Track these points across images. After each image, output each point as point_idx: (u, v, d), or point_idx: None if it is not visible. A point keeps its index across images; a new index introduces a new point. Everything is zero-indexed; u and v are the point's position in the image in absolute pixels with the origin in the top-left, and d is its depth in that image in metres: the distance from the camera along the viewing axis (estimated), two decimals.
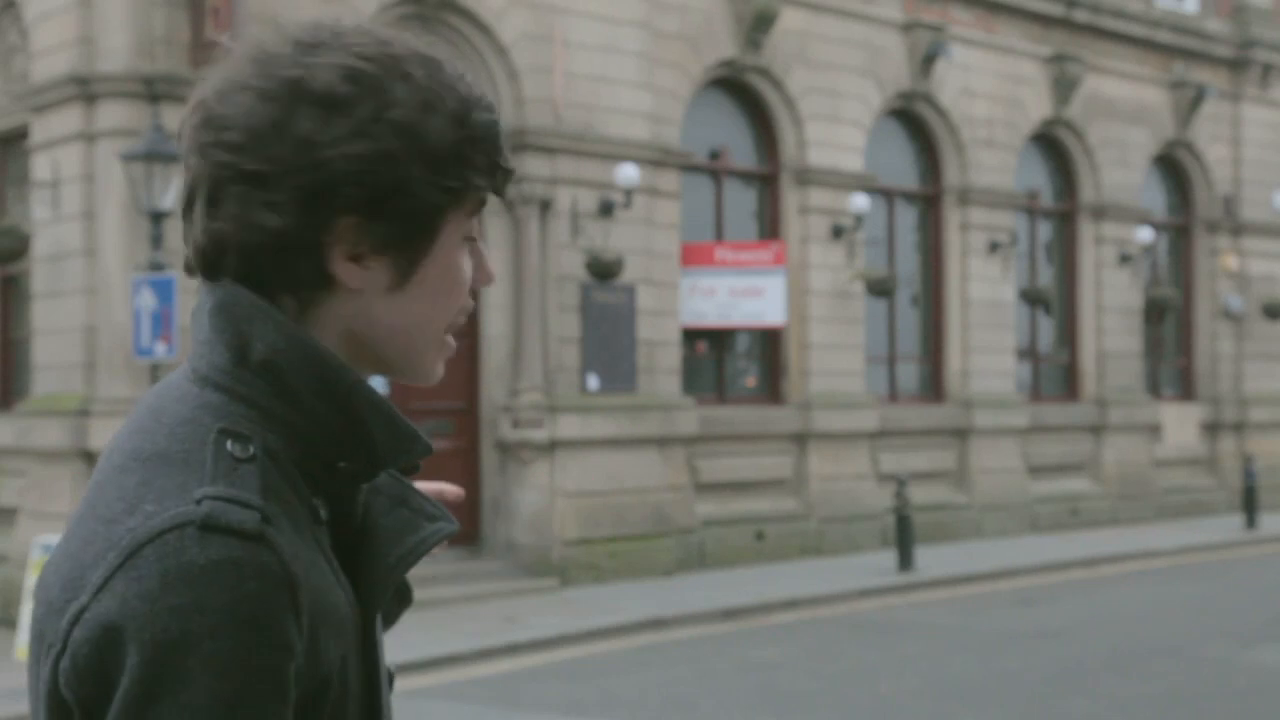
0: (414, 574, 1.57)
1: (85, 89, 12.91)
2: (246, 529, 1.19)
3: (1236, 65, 22.95)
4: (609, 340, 15.38)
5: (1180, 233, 23.05)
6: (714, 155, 17.18)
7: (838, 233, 17.49)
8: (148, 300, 12.01)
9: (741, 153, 17.46)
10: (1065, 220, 21.17)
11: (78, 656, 1.19)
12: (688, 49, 16.36)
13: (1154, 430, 21.61)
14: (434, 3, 14.45)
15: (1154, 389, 22.21)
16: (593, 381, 15.27)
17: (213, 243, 1.32)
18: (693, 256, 16.40)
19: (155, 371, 12.21)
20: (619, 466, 15.30)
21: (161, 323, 11.97)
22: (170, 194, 12.02)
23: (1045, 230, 21.10)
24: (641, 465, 15.50)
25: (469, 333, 14.80)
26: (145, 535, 1.19)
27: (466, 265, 1.37)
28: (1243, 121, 23.14)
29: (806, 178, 17.40)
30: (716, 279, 16.39)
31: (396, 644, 6.66)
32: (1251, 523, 19.83)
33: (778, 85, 17.26)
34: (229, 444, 1.25)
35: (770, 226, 17.49)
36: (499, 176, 1.36)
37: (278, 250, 1.30)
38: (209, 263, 1.33)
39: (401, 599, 1.82)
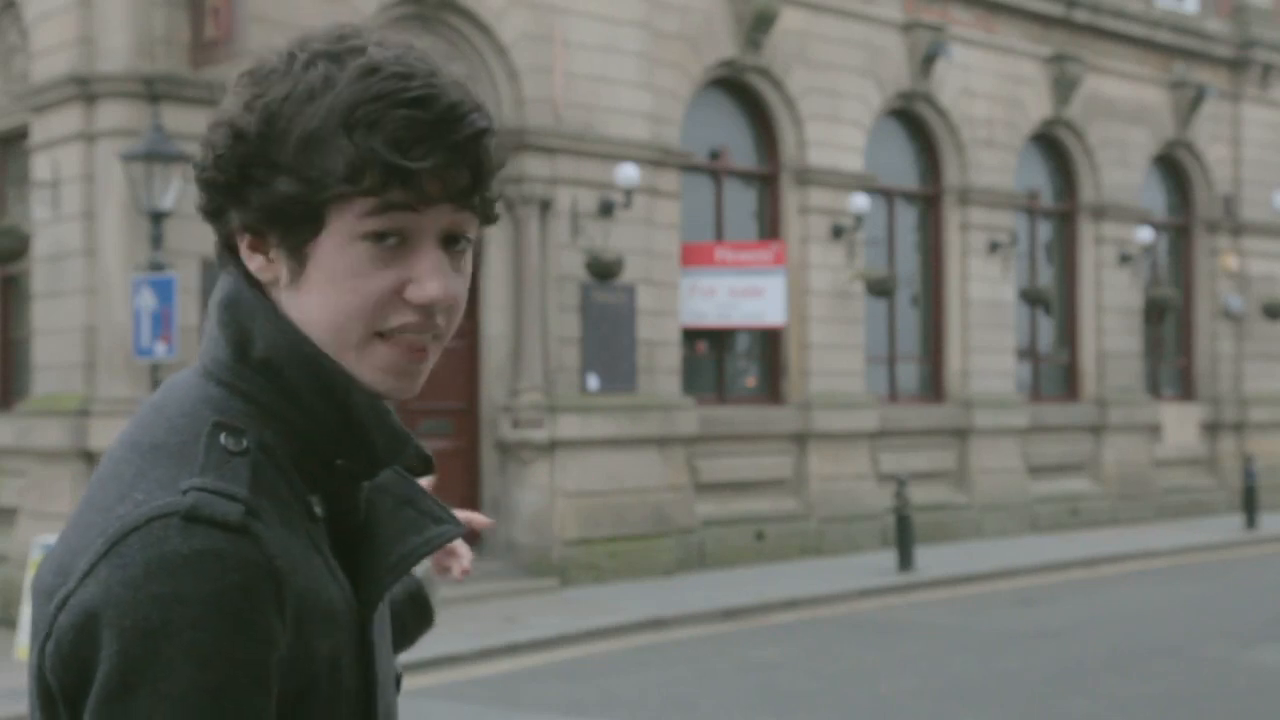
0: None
1: (85, 89, 12.91)
2: (230, 521, 1.21)
3: (1236, 65, 22.95)
4: (609, 340, 15.38)
5: (1180, 233, 23.05)
6: (714, 155, 17.18)
7: (838, 233, 17.49)
8: (148, 300, 12.00)
9: (741, 153, 17.46)
10: (1065, 220, 21.18)
11: (62, 642, 1.21)
12: (688, 49, 16.36)
13: (1154, 430, 21.61)
14: (434, 3, 14.44)
15: (1154, 389, 22.21)
16: (593, 381, 15.27)
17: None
18: (693, 256, 16.40)
19: (155, 371, 12.21)
20: (619, 466, 15.30)
21: (161, 323, 11.97)
22: (170, 194, 12.02)
23: (1045, 230, 21.10)
24: (641, 465, 15.50)
25: (469, 333, 14.80)
26: (131, 523, 1.21)
27: (372, 266, 1.30)
28: (1243, 121, 23.14)
29: (806, 178, 17.40)
30: (716, 279, 16.39)
31: None
32: (1251, 523, 19.83)
33: (778, 85, 17.26)
34: (222, 437, 1.27)
35: (770, 226, 17.49)
36: (393, 174, 1.27)
37: (222, 247, 1.37)
38: (217, 256, 1.39)
39: (422, 618, 1.83)
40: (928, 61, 18.48)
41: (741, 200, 17.55)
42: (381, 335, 1.32)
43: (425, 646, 10.98)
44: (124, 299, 12.63)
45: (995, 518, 19.20)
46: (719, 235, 17.03)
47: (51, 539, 11.19)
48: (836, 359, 17.58)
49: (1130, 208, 21.35)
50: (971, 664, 10.85)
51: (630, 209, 15.39)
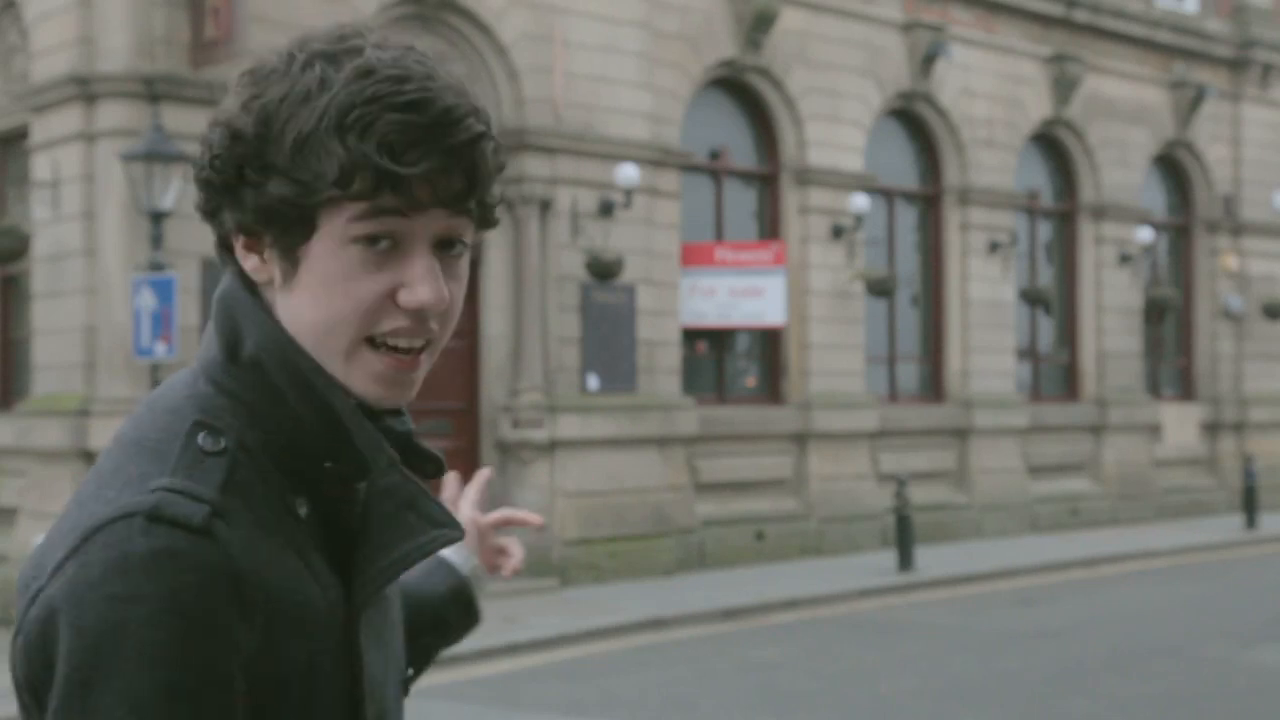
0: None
1: (85, 89, 12.91)
2: (192, 522, 1.21)
3: (1236, 65, 22.95)
4: (609, 340, 15.38)
5: (1180, 233, 23.05)
6: (714, 155, 17.18)
7: (838, 233, 17.49)
8: (148, 300, 12.01)
9: (741, 153, 17.46)
10: (1065, 220, 21.18)
11: (29, 637, 1.22)
12: (688, 49, 16.36)
13: (1154, 430, 21.61)
14: (434, 3, 14.44)
15: (1154, 389, 22.21)
16: (593, 381, 15.27)
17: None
18: (693, 256, 16.40)
19: (155, 371, 12.21)
20: (619, 466, 15.30)
21: (161, 323, 11.97)
22: (170, 194, 12.02)
23: (1045, 230, 21.10)
24: (641, 465, 15.50)
25: (469, 333, 14.80)
26: (99, 521, 1.22)
27: (364, 270, 1.29)
28: (1243, 121, 23.14)
29: (806, 178, 17.39)
30: (716, 279, 16.39)
31: None
32: (1251, 523, 19.83)
33: (778, 85, 17.26)
34: (200, 437, 1.28)
35: (770, 226, 17.49)
36: (384, 179, 1.26)
37: (219, 246, 1.37)
38: (218, 255, 1.39)
39: (467, 615, 1.85)
40: (928, 61, 18.48)
41: (741, 200, 17.55)
42: (372, 341, 1.31)
43: None
44: (124, 299, 12.63)
45: (995, 518, 19.20)
46: (719, 235, 17.03)
47: None
48: (836, 359, 17.58)
49: (1130, 208, 21.35)
50: (971, 664, 10.85)
51: (630, 209, 15.39)
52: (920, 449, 18.58)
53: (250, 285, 1.36)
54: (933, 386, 19.31)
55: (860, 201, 17.38)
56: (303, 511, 1.32)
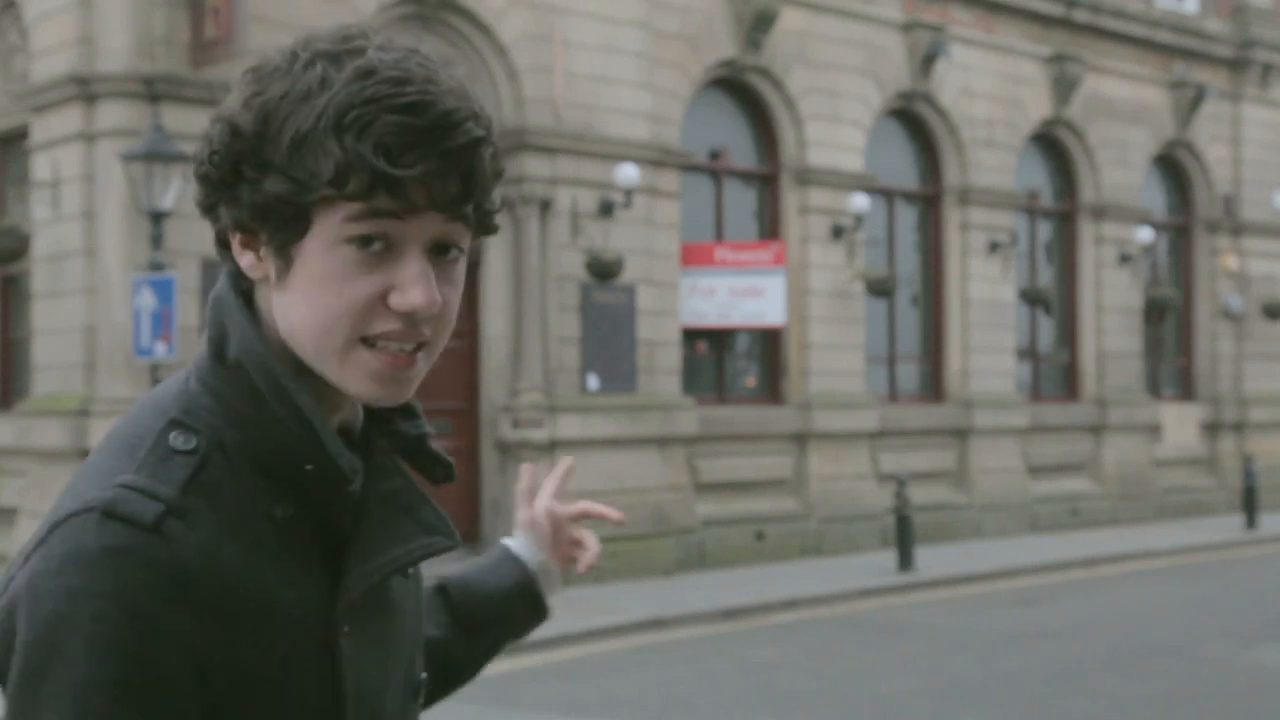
0: None
1: (85, 89, 12.91)
2: (143, 520, 1.22)
3: (1236, 65, 22.95)
4: (609, 340, 15.38)
5: (1180, 233, 23.05)
6: (714, 155, 17.18)
7: (838, 233, 17.49)
8: (148, 300, 12.01)
9: (741, 153, 17.46)
10: (1065, 220, 21.18)
11: None
12: (688, 49, 16.36)
13: (1154, 430, 21.61)
14: (434, 3, 14.44)
15: (1154, 389, 22.21)
16: (593, 381, 15.27)
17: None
18: (693, 256, 16.40)
19: (155, 371, 12.20)
20: (619, 466, 15.30)
21: (161, 323, 11.97)
22: (170, 194, 12.02)
23: (1045, 230, 21.10)
24: (641, 465, 15.50)
25: (469, 333, 14.80)
26: (63, 514, 1.25)
27: (356, 270, 1.28)
28: (1243, 121, 23.14)
29: (806, 178, 17.39)
30: (716, 279, 16.39)
31: None
32: (1251, 523, 19.83)
33: (778, 85, 17.26)
34: (172, 435, 1.29)
35: (770, 226, 17.49)
36: (379, 180, 1.25)
37: (217, 243, 1.37)
38: (218, 250, 1.39)
39: (534, 611, 1.84)
40: (928, 61, 18.48)
41: (741, 200, 17.55)
42: (366, 341, 1.30)
43: None
44: (124, 299, 12.63)
45: (995, 518, 19.20)
46: (719, 235, 17.03)
47: None
48: (836, 359, 17.58)
49: (1130, 208, 21.35)
50: (971, 664, 10.85)
51: (630, 209, 15.39)
52: (920, 449, 18.58)
53: (244, 283, 1.36)
54: (933, 386, 19.31)
55: (860, 201, 17.38)
56: (280, 513, 1.31)
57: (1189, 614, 13.37)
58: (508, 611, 1.80)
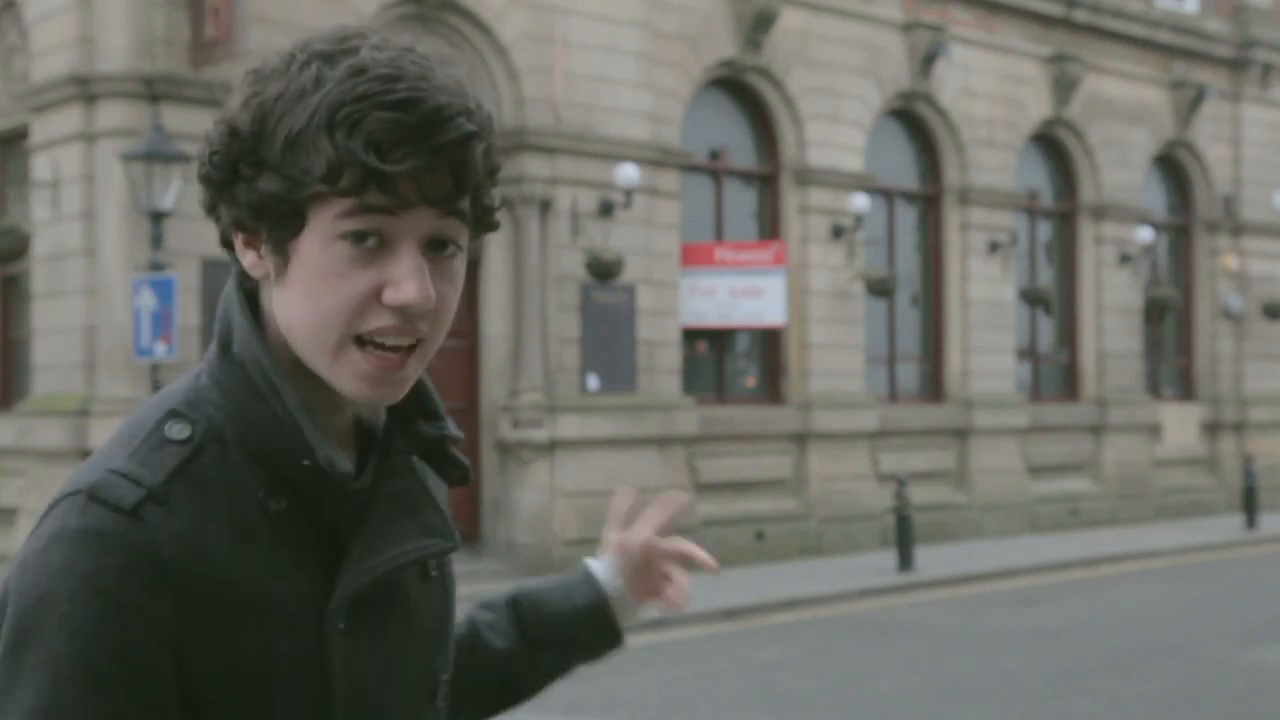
0: None
1: (85, 89, 12.91)
2: (122, 505, 1.26)
3: (1236, 65, 22.95)
4: (609, 340, 15.38)
5: (1180, 233, 23.05)
6: (714, 155, 17.18)
7: (838, 233, 17.49)
8: (148, 300, 12.00)
9: (741, 153, 17.46)
10: (1065, 220, 21.18)
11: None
12: (688, 49, 16.36)
13: (1154, 430, 21.61)
14: (434, 3, 14.45)
15: (1154, 389, 22.21)
16: (593, 381, 15.27)
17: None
18: (693, 256, 16.40)
19: (155, 371, 12.20)
20: (619, 466, 15.30)
21: (161, 323, 11.97)
22: (170, 194, 12.02)
23: (1045, 230, 21.10)
24: (641, 465, 15.50)
25: (469, 333, 14.81)
26: (59, 497, 1.29)
27: (350, 266, 1.29)
28: (1243, 121, 23.14)
29: (806, 178, 17.40)
30: (716, 279, 16.39)
31: None
32: (1251, 523, 19.83)
33: (778, 85, 17.26)
34: (169, 425, 1.32)
35: (770, 226, 17.49)
36: (370, 176, 1.26)
37: (221, 243, 1.39)
38: (226, 251, 1.41)
39: (602, 635, 1.78)
40: (928, 61, 18.48)
41: (741, 200, 17.55)
42: (359, 340, 1.31)
43: None
44: (124, 299, 12.63)
45: (995, 518, 19.20)
46: (719, 235, 17.03)
47: None
48: (836, 359, 17.58)
49: (1130, 208, 21.35)
50: (971, 664, 10.85)
51: (630, 209, 15.39)
52: (920, 449, 18.58)
53: (249, 283, 1.38)
54: (933, 386, 19.31)
55: (860, 201, 17.38)
56: (275, 507, 1.32)
57: (1189, 614, 13.37)
58: (575, 631, 1.76)
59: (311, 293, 1.30)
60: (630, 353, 15.54)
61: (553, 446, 14.89)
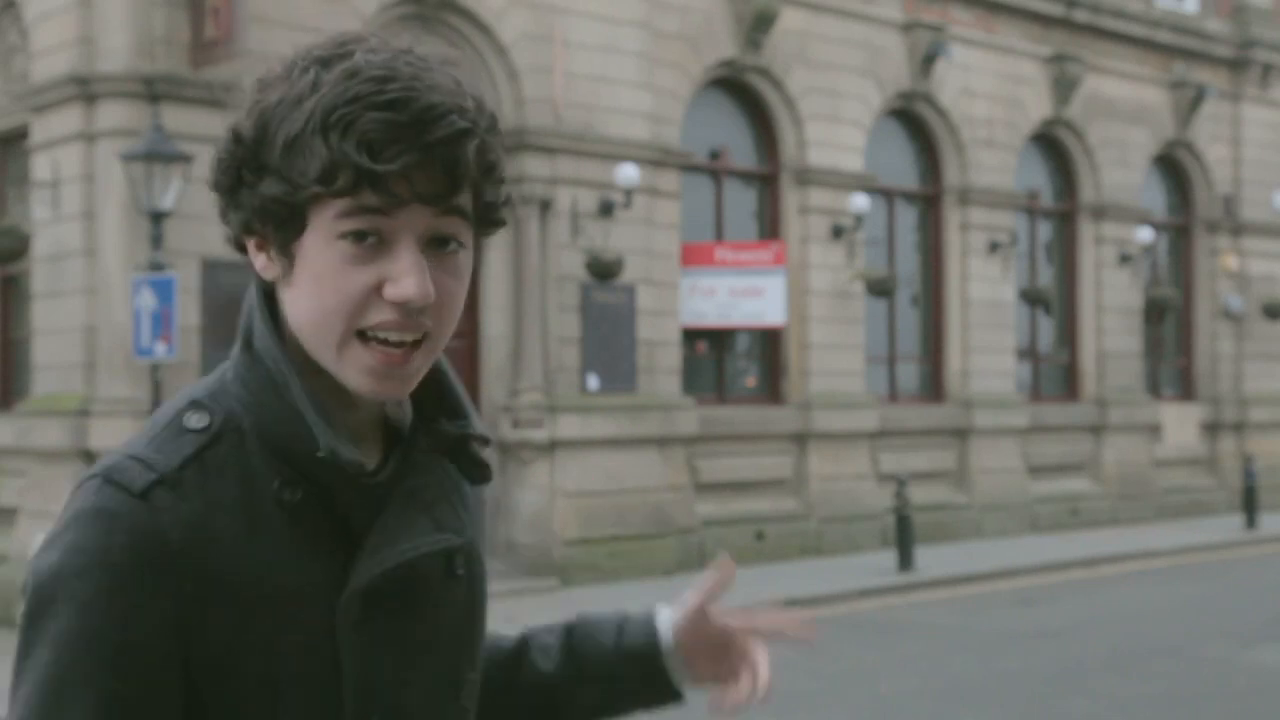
0: None
1: (85, 89, 12.90)
2: (132, 487, 1.30)
3: (1236, 65, 22.95)
4: (609, 340, 15.37)
5: (1180, 233, 23.05)
6: (714, 155, 17.18)
7: (838, 233, 17.49)
8: (148, 300, 12.00)
9: (741, 153, 17.46)
10: (1065, 220, 21.17)
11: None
12: (688, 49, 16.36)
13: (1154, 430, 21.61)
14: (434, 3, 14.44)
15: (1154, 389, 22.21)
16: (593, 381, 15.27)
17: None
18: (693, 256, 16.40)
19: (155, 371, 12.20)
20: (619, 466, 15.30)
21: (161, 323, 11.96)
22: (170, 194, 12.02)
23: (1045, 230, 21.10)
24: (641, 465, 15.50)
25: (469, 333, 14.80)
26: (83, 479, 1.34)
27: (351, 264, 1.31)
28: (1243, 121, 23.14)
29: (806, 178, 17.39)
30: (716, 279, 16.39)
31: None
32: (1251, 523, 19.83)
33: (778, 85, 17.26)
34: (188, 415, 1.37)
35: (770, 226, 17.49)
36: (363, 176, 1.28)
37: (235, 247, 1.43)
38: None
39: (650, 685, 1.70)
40: (928, 61, 18.48)
41: (741, 200, 17.55)
42: (363, 336, 1.33)
43: None
44: (124, 299, 12.62)
45: (995, 518, 19.20)
46: (719, 235, 17.03)
47: None
48: (836, 359, 17.58)
49: (1130, 208, 21.35)
50: (971, 664, 10.85)
51: (630, 209, 15.39)
52: (920, 449, 18.58)
53: (267, 284, 1.42)
54: (933, 386, 19.31)
55: (860, 201, 17.38)
56: (289, 498, 1.35)
57: (1189, 614, 13.37)
58: (619, 671, 1.69)
59: (315, 291, 1.33)
60: (630, 353, 15.54)
61: (553, 446, 14.90)
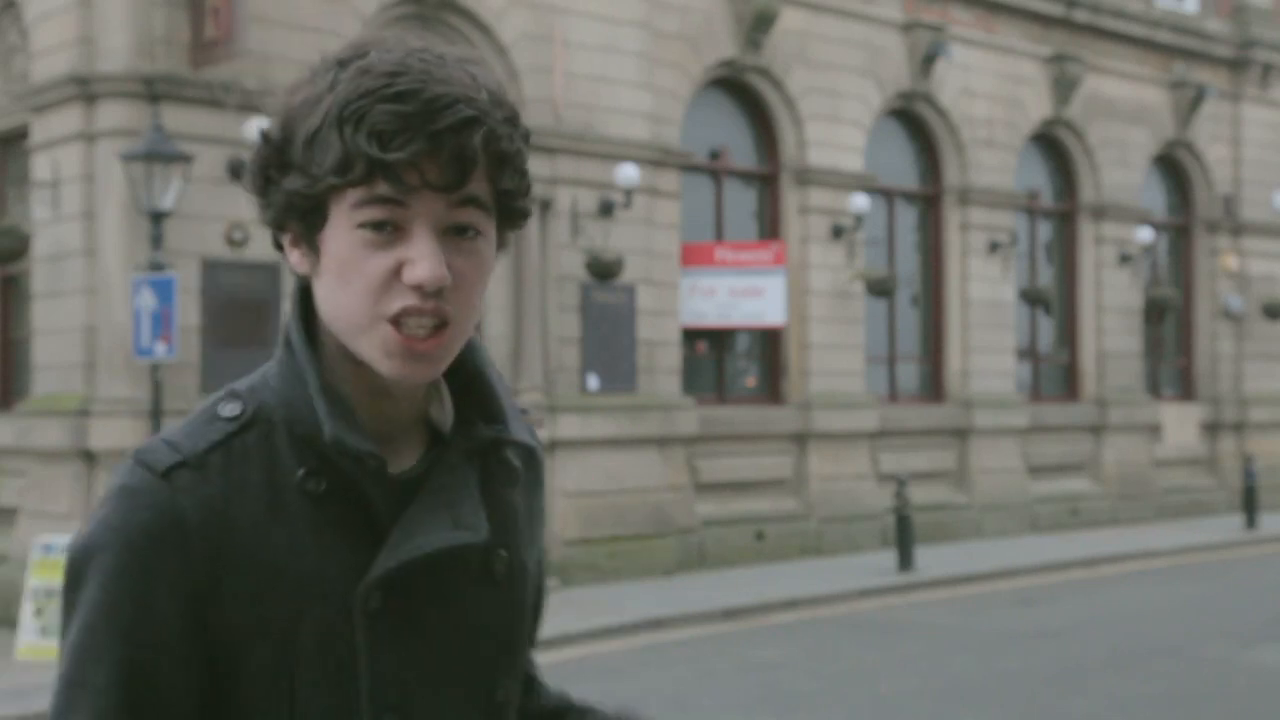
0: None
1: (85, 89, 12.90)
2: (157, 467, 1.37)
3: (1236, 65, 22.95)
4: (609, 340, 15.38)
5: (1180, 233, 23.05)
6: (714, 155, 17.18)
7: (838, 233, 17.49)
8: (148, 300, 12.00)
9: (741, 153, 17.46)
10: (1065, 220, 21.18)
11: None
12: (688, 49, 16.36)
13: (1154, 430, 21.61)
14: (434, 3, 14.45)
15: (1154, 389, 22.21)
16: (593, 381, 15.27)
17: None
18: (693, 256, 16.40)
19: (155, 371, 12.19)
20: (619, 466, 15.30)
21: (161, 323, 11.96)
22: (170, 194, 12.02)
23: (1045, 230, 21.10)
24: (641, 465, 15.50)
25: None
26: (122, 461, 1.40)
27: (370, 252, 1.37)
28: (1243, 121, 23.14)
29: (806, 178, 17.39)
30: (716, 279, 16.39)
31: None
32: (1251, 523, 19.83)
33: (778, 85, 17.26)
34: (223, 404, 1.43)
35: (770, 226, 17.49)
36: (374, 166, 1.33)
37: (275, 246, 1.48)
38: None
39: None
40: (928, 61, 18.48)
41: (741, 200, 17.55)
42: (389, 321, 1.38)
43: None
44: (124, 299, 12.62)
45: (995, 518, 19.20)
46: (719, 235, 17.03)
47: (52, 539, 11.19)
48: (836, 359, 17.58)
49: (1130, 208, 21.35)
50: (971, 664, 10.85)
51: (630, 209, 15.39)
52: (920, 449, 18.58)
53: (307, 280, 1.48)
54: (933, 386, 19.32)
55: (860, 201, 17.38)
56: (313, 487, 1.40)
57: (1189, 614, 13.37)
58: None
59: (340, 280, 1.38)
60: (630, 353, 15.54)
61: (553, 446, 14.90)
